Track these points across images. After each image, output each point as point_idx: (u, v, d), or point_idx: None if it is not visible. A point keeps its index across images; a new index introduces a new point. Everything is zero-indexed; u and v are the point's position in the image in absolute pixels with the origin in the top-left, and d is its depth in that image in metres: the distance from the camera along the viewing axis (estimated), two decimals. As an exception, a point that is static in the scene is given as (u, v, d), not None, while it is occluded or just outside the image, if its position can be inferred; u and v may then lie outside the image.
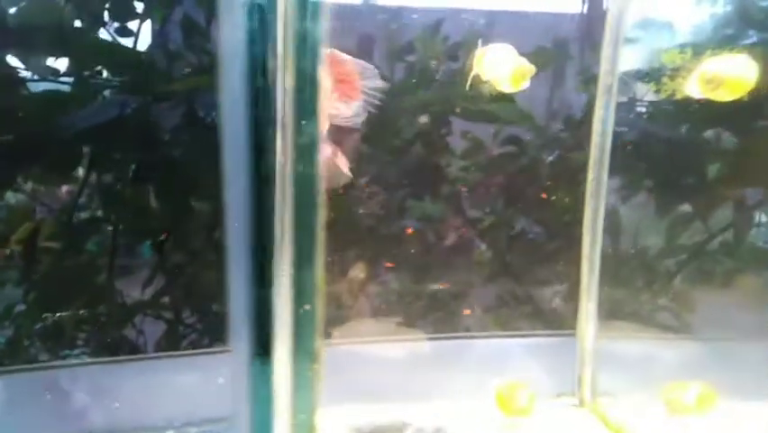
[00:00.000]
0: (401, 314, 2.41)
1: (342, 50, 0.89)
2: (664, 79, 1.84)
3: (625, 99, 2.22)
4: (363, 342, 1.38)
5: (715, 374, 1.18)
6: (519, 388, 1.01)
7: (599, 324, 1.23)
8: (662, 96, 1.99)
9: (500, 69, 0.93)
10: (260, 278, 0.50)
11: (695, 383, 1.02)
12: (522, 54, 0.94)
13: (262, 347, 0.50)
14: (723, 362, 1.34)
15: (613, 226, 2.56)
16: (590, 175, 1.00)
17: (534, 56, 1.63)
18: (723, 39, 2.27)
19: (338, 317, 1.93)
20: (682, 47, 1.70)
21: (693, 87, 0.95)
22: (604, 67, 1.01)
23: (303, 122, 0.50)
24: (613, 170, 2.53)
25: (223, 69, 0.53)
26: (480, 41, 0.93)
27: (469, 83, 0.95)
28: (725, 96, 0.92)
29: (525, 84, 0.95)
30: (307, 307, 0.53)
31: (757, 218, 2.93)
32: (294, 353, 0.52)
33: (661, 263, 2.62)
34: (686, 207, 2.56)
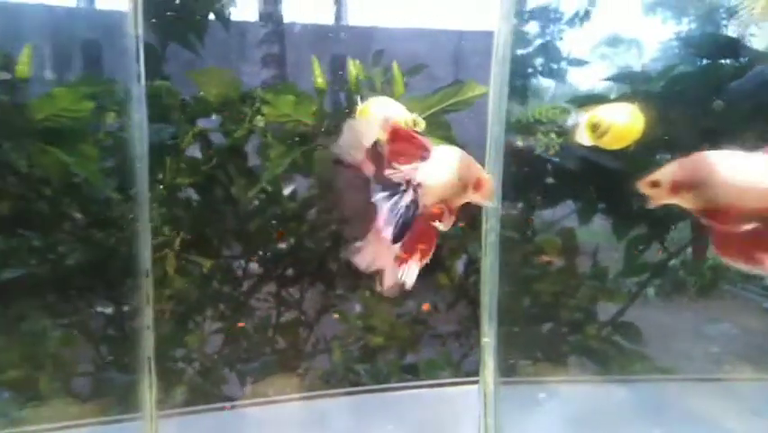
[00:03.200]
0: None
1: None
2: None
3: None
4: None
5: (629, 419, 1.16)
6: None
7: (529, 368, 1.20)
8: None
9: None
10: None
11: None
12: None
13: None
14: (645, 404, 1.32)
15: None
16: (485, 225, 0.98)
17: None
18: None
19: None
20: (554, 104, 1.70)
21: (581, 134, 0.94)
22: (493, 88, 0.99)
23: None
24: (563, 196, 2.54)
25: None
26: (359, 97, 0.91)
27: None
28: (611, 143, 0.91)
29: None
30: None
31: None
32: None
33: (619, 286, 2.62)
34: (642, 230, 2.55)
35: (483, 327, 1.02)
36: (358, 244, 0.75)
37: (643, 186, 0.76)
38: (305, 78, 2.21)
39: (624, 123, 0.90)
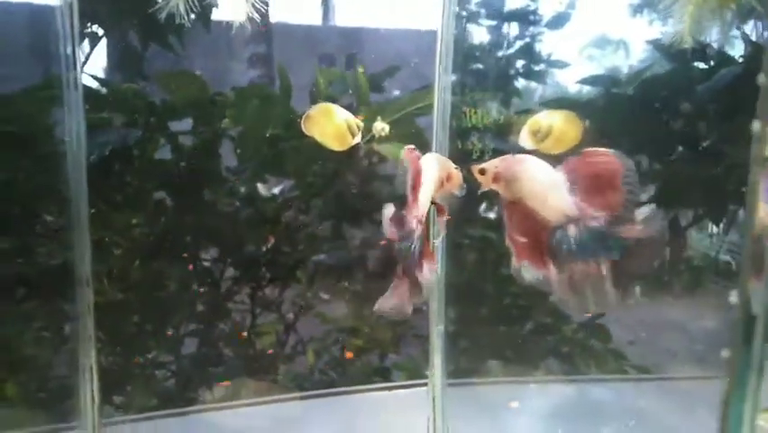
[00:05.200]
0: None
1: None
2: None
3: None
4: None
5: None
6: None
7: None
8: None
9: (325, 129, 0.91)
10: None
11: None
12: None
13: None
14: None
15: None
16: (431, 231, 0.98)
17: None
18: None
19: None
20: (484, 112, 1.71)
21: (523, 138, 0.95)
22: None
23: None
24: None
25: None
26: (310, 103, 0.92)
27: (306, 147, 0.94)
28: (550, 148, 0.93)
29: (356, 139, 0.94)
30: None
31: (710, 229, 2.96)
32: None
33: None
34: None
35: (432, 334, 1.03)
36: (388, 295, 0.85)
37: (474, 171, 0.87)
38: (291, 76, 2.22)
39: (562, 128, 0.92)
